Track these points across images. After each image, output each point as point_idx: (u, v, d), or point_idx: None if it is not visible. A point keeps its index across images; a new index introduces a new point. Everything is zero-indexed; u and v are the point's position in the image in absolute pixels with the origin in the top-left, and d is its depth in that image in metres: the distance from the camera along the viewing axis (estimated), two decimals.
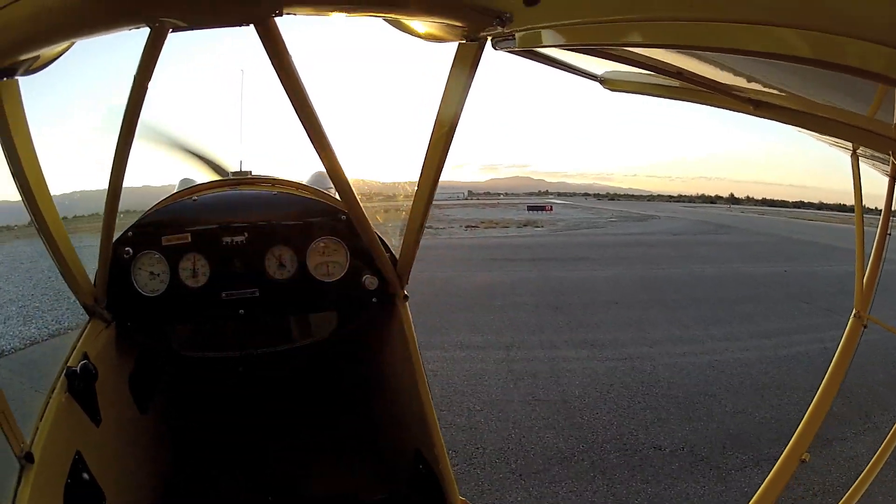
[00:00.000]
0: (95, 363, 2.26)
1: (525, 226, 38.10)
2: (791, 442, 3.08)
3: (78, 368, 2.20)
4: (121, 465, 2.56)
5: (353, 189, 2.35)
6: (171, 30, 1.50)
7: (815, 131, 1.85)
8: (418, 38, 1.84)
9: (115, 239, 2.47)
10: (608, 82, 2.13)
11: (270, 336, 2.99)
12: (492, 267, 16.36)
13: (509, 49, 1.61)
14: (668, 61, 1.57)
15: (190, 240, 2.68)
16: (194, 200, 2.85)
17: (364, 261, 2.75)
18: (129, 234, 2.67)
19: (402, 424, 2.91)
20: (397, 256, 2.72)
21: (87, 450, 2.18)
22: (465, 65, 1.81)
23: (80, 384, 2.21)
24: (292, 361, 3.18)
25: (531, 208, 64.03)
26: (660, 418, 5.93)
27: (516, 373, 7.13)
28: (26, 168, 1.93)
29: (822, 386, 3.06)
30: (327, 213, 2.80)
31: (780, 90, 1.52)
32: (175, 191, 3.25)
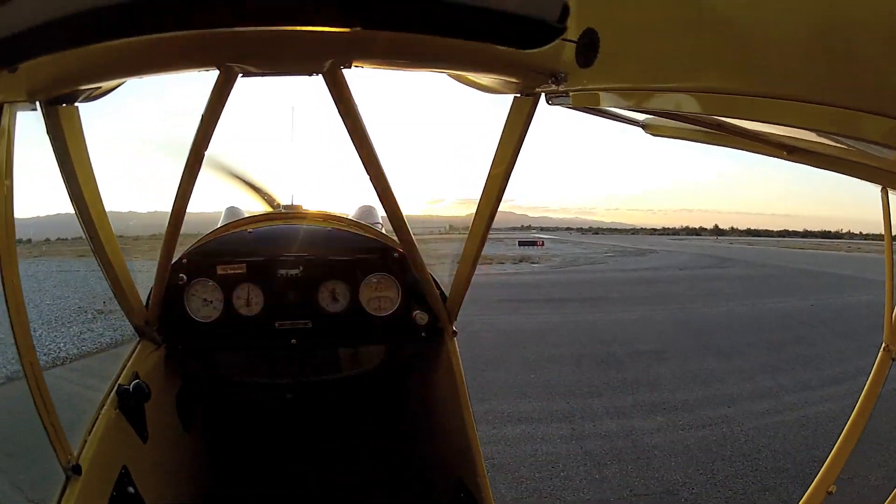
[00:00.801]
0: (144, 382, 2.33)
1: (520, 261, 36.92)
2: (819, 474, 3.02)
3: (130, 387, 2.27)
4: (164, 481, 2.62)
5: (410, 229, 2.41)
6: (240, 74, 1.57)
7: (846, 174, 1.77)
8: (475, 89, 1.96)
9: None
10: (650, 128, 2.12)
11: (319, 365, 3.03)
12: (506, 309, 14.88)
13: (563, 105, 1.65)
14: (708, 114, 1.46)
15: (245, 270, 2.75)
16: (249, 233, 2.94)
17: (415, 296, 2.79)
18: (184, 261, 2.73)
19: (445, 454, 2.89)
20: (446, 293, 2.75)
21: (133, 464, 2.24)
22: (520, 117, 1.89)
23: (131, 402, 2.27)
24: (339, 390, 3.23)
25: (522, 243, 62.89)
26: (784, 501, 4.80)
27: (595, 455, 5.76)
28: (85, 192, 1.97)
29: (850, 419, 3.02)
30: (381, 250, 2.85)
31: (813, 133, 1.44)
32: (221, 219, 3.43)
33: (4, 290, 1.69)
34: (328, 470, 3.57)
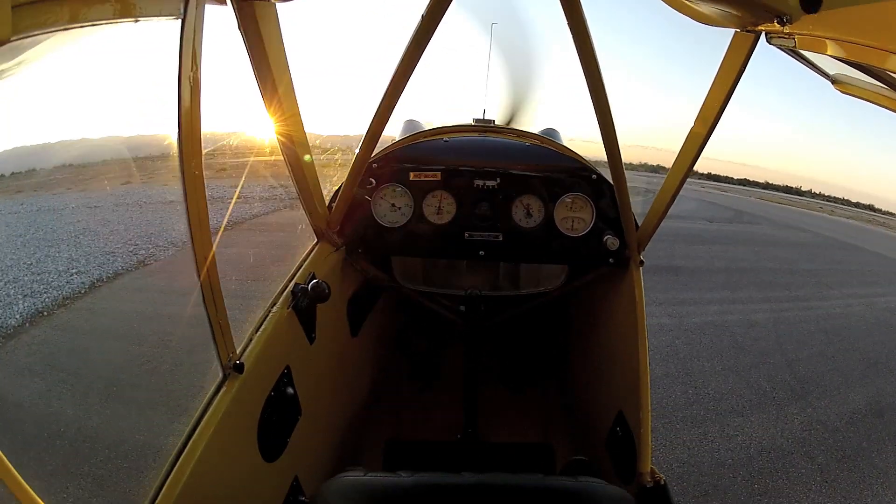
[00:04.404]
0: (324, 282, 2.24)
1: None
2: None
3: (309, 286, 2.16)
4: (324, 384, 2.56)
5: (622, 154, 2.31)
6: None
7: None
8: (690, 18, 1.82)
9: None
10: (840, 84, 1.89)
11: (499, 280, 3.05)
12: None
13: (782, 47, 1.58)
14: None
15: (440, 178, 2.67)
16: (445, 142, 2.86)
17: (607, 220, 2.72)
18: (374, 165, 2.65)
19: (610, 383, 2.77)
20: (639, 222, 2.65)
21: (296, 365, 2.15)
22: (740, 53, 1.81)
23: (305, 301, 2.17)
24: (515, 307, 3.17)
25: None
26: None
27: None
28: (280, 91, 1.88)
29: None
30: (579, 169, 2.76)
31: None
32: (400, 130, 3.34)
33: (185, 180, 1.54)
34: (490, 384, 3.44)
